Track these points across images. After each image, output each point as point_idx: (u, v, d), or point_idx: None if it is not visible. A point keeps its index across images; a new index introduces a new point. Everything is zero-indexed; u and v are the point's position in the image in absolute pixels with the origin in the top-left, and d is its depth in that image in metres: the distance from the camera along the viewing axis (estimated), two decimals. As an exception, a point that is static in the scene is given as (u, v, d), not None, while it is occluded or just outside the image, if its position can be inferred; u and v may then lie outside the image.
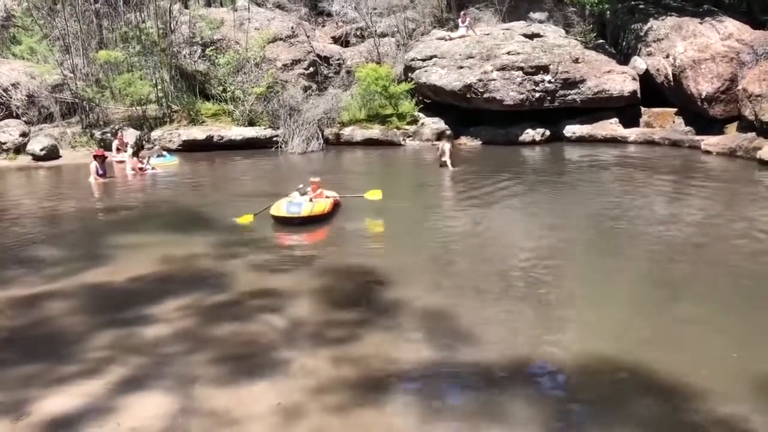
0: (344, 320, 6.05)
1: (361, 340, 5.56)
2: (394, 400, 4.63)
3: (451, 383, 4.88)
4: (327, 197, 10.11)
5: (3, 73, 19.03)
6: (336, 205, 10.29)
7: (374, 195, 10.65)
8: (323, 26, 24.75)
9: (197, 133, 18.52)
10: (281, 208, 9.53)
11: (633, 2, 20.16)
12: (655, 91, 18.26)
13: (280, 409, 4.44)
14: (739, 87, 15.70)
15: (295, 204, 9.52)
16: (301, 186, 9.99)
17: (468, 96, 17.99)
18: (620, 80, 17.87)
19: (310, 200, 9.71)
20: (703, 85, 16.42)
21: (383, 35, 22.00)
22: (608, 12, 20.36)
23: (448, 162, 14.08)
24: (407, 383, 4.87)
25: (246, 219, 9.60)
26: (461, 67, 18.29)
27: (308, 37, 21.92)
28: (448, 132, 14.81)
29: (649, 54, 18.52)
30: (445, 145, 14.41)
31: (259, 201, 10.39)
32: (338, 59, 21.87)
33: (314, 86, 20.63)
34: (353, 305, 6.47)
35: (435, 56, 19.11)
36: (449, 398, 4.68)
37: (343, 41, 23.36)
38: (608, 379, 4.86)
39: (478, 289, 6.79)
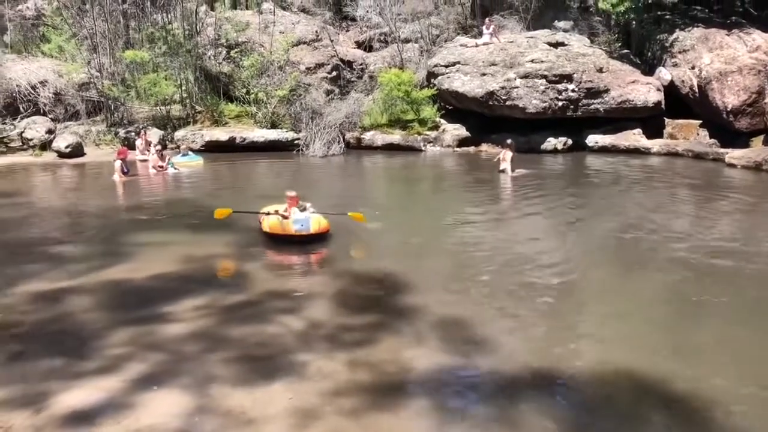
0: (361, 324, 6.06)
1: (378, 345, 5.57)
2: (409, 405, 4.63)
3: (466, 390, 4.87)
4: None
5: (32, 70, 19.34)
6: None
7: (356, 217, 9.48)
8: (347, 31, 24.85)
9: (220, 134, 18.67)
10: (285, 225, 8.72)
11: (659, 12, 19.97)
12: (680, 103, 18.06)
13: (296, 411, 4.46)
14: (766, 100, 15.50)
15: (300, 221, 8.70)
16: (308, 204, 9.26)
17: (490, 103, 17.94)
18: (644, 91, 17.70)
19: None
20: (729, 97, 16.23)
21: (407, 41, 22.03)
22: (634, 22, 20.19)
23: (508, 168, 14.16)
24: (423, 389, 4.86)
25: (223, 213, 9.18)
26: (484, 74, 18.23)
27: (332, 41, 22.04)
28: (509, 141, 14.78)
29: (675, 65, 18.34)
30: (507, 153, 14.42)
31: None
32: (361, 64, 21.95)
33: (336, 90, 20.71)
34: (370, 309, 6.48)
35: (458, 63, 19.06)
36: (464, 405, 4.67)
37: (366, 46, 23.42)
38: (625, 391, 4.82)
39: (496, 298, 6.77)
